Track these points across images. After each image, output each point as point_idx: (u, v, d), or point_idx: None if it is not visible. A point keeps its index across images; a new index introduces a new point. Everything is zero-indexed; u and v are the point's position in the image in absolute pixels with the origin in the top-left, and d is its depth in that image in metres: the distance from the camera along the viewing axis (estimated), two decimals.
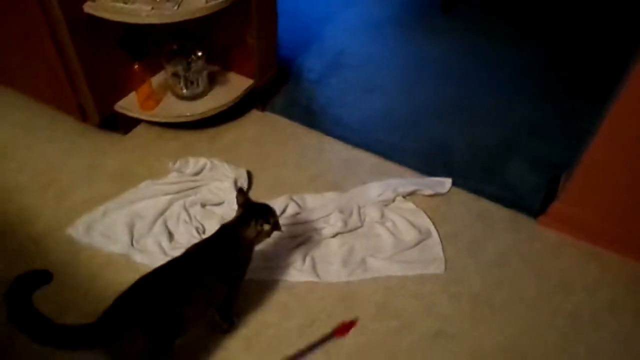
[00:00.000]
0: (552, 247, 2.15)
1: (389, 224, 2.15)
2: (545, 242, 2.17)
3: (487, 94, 2.90)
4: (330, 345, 1.77)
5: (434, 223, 2.18)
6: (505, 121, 2.72)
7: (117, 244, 2.06)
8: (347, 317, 1.85)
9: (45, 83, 2.35)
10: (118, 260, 2.03)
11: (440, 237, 2.13)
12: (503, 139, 2.61)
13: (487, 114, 2.77)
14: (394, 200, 2.25)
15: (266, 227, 1.65)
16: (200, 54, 2.41)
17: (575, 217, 2.14)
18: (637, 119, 1.79)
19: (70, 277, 1.97)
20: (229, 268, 1.63)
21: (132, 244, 2.06)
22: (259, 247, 1.74)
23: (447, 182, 2.34)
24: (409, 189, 2.26)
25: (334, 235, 2.11)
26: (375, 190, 2.27)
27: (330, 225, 2.12)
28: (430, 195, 2.29)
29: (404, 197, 2.26)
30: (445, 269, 2.03)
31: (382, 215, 2.17)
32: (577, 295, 1.98)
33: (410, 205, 2.23)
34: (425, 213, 2.21)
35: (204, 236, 2.08)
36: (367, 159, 2.49)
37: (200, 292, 1.54)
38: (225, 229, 1.70)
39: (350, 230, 2.13)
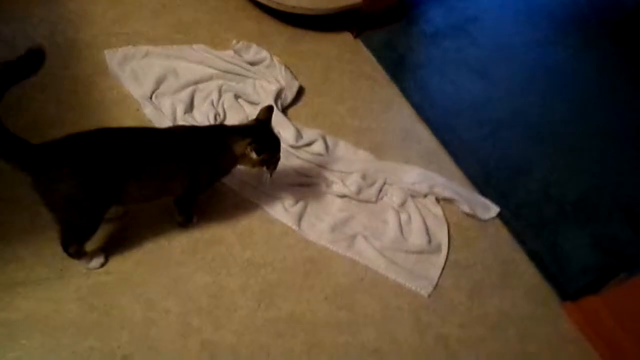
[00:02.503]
0: (560, 340, 1.80)
1: (403, 216, 1.87)
2: (556, 331, 1.82)
3: (606, 142, 2.39)
4: (264, 300, 1.60)
5: (450, 243, 1.88)
6: (602, 181, 2.24)
7: (139, 88, 1.95)
8: (300, 280, 1.66)
9: None
10: (131, 103, 1.94)
11: (447, 261, 1.84)
12: (585, 199, 2.16)
13: (590, 163, 2.30)
14: (425, 196, 1.95)
15: (254, 156, 1.46)
16: None
17: (603, 324, 1.76)
18: None
19: (80, 96, 1.91)
20: (198, 166, 1.45)
21: (151, 96, 1.94)
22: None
23: (493, 210, 1.99)
24: (448, 194, 1.95)
25: (342, 196, 1.87)
26: (412, 175, 1.97)
27: (345, 184, 1.88)
28: (466, 213, 1.96)
29: (437, 199, 1.96)
30: (431, 294, 1.75)
31: (403, 204, 1.90)
32: None
33: (438, 210, 1.93)
34: (449, 228, 1.91)
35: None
36: (428, 141, 2.17)
37: (153, 172, 1.39)
38: (220, 129, 1.54)
39: (361, 201, 1.88)
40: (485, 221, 1.98)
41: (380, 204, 1.90)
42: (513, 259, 1.93)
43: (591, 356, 1.79)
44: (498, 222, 2.00)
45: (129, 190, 1.37)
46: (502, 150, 2.22)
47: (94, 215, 1.39)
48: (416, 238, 1.83)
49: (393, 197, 1.91)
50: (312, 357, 1.54)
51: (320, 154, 1.94)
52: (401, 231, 1.84)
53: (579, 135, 2.40)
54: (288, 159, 1.89)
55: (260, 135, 1.50)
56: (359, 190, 1.86)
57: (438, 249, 1.84)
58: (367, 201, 1.88)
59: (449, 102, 2.33)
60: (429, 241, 1.83)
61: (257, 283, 1.64)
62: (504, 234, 1.99)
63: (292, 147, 1.92)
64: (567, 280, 1.92)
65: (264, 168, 1.56)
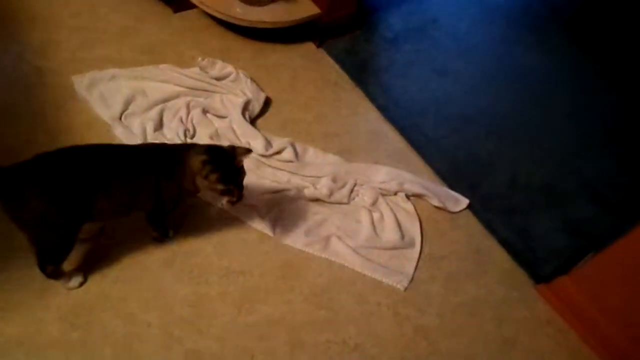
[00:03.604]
0: (536, 322, 1.85)
1: (376, 215, 1.92)
2: (532, 313, 1.87)
3: (564, 130, 2.48)
4: (245, 306, 1.63)
5: (423, 237, 1.93)
6: (566, 165, 2.32)
7: (108, 110, 1.98)
8: (278, 284, 1.69)
9: None
10: (101, 125, 1.97)
11: (421, 254, 1.88)
12: (551, 184, 2.24)
13: (553, 150, 2.37)
14: (395, 194, 2.00)
15: (212, 177, 1.41)
16: None
17: (576, 302, 1.82)
18: None
19: (50, 121, 1.94)
20: (160, 181, 1.46)
21: (120, 117, 1.98)
22: None
23: (463, 202, 2.06)
24: (417, 190, 2.00)
25: (314, 200, 1.92)
26: (381, 174, 2.03)
27: (316, 188, 1.92)
28: (437, 207, 2.02)
29: (408, 196, 2.01)
30: (407, 288, 1.79)
31: (374, 203, 1.95)
32: None
33: (409, 206, 1.98)
34: (421, 223, 1.96)
35: (190, 140, 1.97)
36: (395, 140, 2.23)
37: (121, 188, 1.41)
38: (183, 146, 1.56)
39: (333, 203, 1.92)
40: (456, 213, 2.04)
41: (352, 204, 1.95)
42: (485, 248, 1.99)
43: (568, 334, 1.84)
44: (468, 213, 2.06)
45: (99, 205, 1.39)
46: (467, 145, 2.30)
47: (66, 233, 1.40)
48: (389, 235, 1.88)
49: (364, 197, 1.96)
50: (294, 357, 1.57)
51: (290, 161, 1.98)
52: (374, 229, 1.88)
53: (541, 125, 2.49)
54: (260, 168, 1.94)
55: (220, 157, 1.45)
56: (331, 193, 1.91)
57: (412, 243, 1.89)
58: (339, 203, 1.93)
59: (413, 102, 2.40)
60: (402, 237, 1.88)
61: (236, 290, 1.67)
62: (475, 224, 2.04)
63: (263, 156, 1.97)
64: (539, 263, 1.98)
65: (220, 197, 1.50)
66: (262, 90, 2.19)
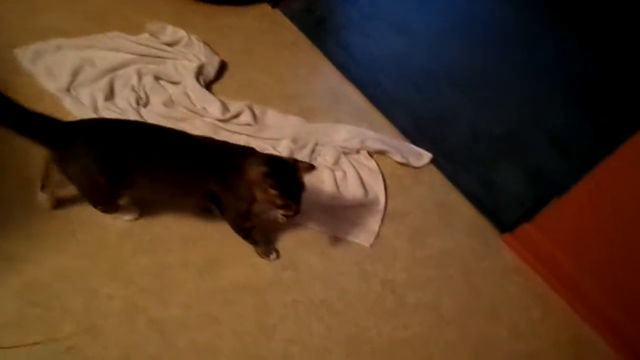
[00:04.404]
0: (503, 271, 1.88)
1: (338, 174, 1.90)
2: (498, 262, 1.89)
3: (523, 80, 2.48)
4: (208, 272, 1.61)
5: (387, 193, 1.92)
6: (527, 116, 2.33)
7: (54, 82, 1.89)
8: (240, 247, 1.67)
9: None
10: (49, 99, 1.87)
11: (385, 211, 1.88)
12: (512, 134, 2.24)
13: (514, 100, 2.38)
14: (358, 152, 1.98)
15: (272, 191, 1.37)
16: None
17: (541, 249, 1.85)
18: (625, 176, 1.52)
19: None
20: (211, 184, 1.45)
21: (68, 88, 1.89)
22: None
23: (426, 156, 2.05)
24: (379, 146, 1.98)
25: None
26: (343, 133, 2.00)
27: (276, 150, 1.89)
28: (400, 163, 2.01)
29: (370, 153, 1.99)
30: (373, 245, 1.79)
31: (337, 162, 1.92)
32: (499, 333, 1.72)
33: (372, 164, 1.97)
34: (384, 179, 1.95)
35: (143, 109, 1.91)
36: (356, 98, 2.20)
37: (164, 172, 1.42)
38: (241, 153, 1.47)
39: None
40: (419, 168, 2.04)
41: (315, 165, 1.91)
42: (450, 201, 2.00)
43: (534, 281, 1.88)
44: (432, 167, 2.06)
45: (139, 181, 1.43)
46: (428, 99, 2.28)
47: (106, 190, 1.46)
48: (353, 192, 1.86)
49: (326, 156, 1.93)
50: (262, 319, 1.56)
51: (248, 124, 1.94)
52: (337, 188, 1.87)
53: (502, 76, 2.49)
54: (217, 133, 1.89)
55: (280, 170, 1.39)
56: (291, 154, 1.88)
57: (375, 200, 1.88)
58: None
59: (373, 59, 2.37)
60: (366, 194, 1.87)
61: (198, 256, 1.63)
62: (438, 178, 2.04)
63: (220, 120, 1.92)
64: (504, 213, 2.00)
65: (277, 211, 1.45)
66: (216, 54, 2.12)
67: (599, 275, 1.73)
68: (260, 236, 1.65)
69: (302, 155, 1.89)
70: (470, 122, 2.24)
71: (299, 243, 1.74)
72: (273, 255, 1.67)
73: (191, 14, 2.29)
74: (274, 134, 1.93)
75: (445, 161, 2.07)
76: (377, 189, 1.90)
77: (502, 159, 2.15)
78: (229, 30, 2.29)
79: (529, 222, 1.89)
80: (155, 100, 1.93)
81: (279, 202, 1.39)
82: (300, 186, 1.44)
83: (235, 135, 1.90)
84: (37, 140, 1.32)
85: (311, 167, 1.47)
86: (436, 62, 2.44)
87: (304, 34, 2.36)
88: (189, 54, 2.07)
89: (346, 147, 1.96)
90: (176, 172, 1.43)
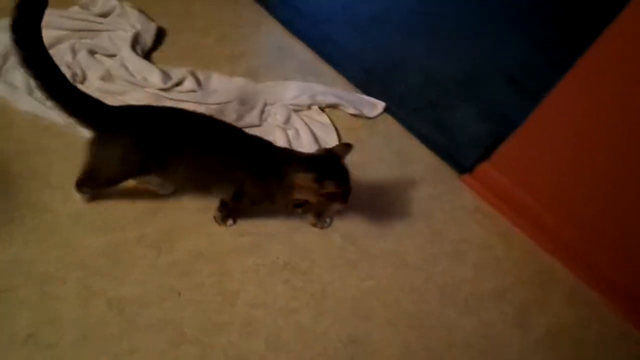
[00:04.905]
0: (464, 212, 1.88)
1: (290, 132, 1.86)
2: (458, 204, 1.89)
3: (475, 20, 2.43)
4: (164, 245, 1.58)
5: None
6: (480, 57, 2.29)
7: None
8: (196, 217, 1.64)
9: None
10: None
11: None
12: (466, 76, 2.21)
13: (466, 42, 2.34)
14: (309, 108, 1.94)
15: (330, 187, 1.38)
16: None
17: (499, 185, 1.85)
18: (571, 104, 1.51)
19: None
20: (248, 180, 1.45)
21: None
22: None
23: (379, 105, 2.01)
24: (330, 100, 1.94)
25: None
26: (292, 90, 1.95)
27: (223, 114, 1.83)
28: (353, 115, 1.97)
29: (322, 108, 1.95)
30: None
31: (288, 121, 1.88)
32: (465, 274, 1.73)
33: (324, 118, 1.93)
34: (339, 133, 1.91)
35: (80, 86, 1.83)
36: (304, 53, 2.14)
37: (204, 164, 1.42)
38: (283, 157, 1.46)
39: (244, 127, 1.84)
40: (373, 118, 2.00)
41: (265, 125, 1.88)
42: (407, 148, 1.98)
43: (496, 219, 1.89)
44: (386, 116, 2.03)
45: (172, 168, 1.42)
46: (379, 47, 2.23)
47: (128, 173, 1.49)
48: (307, 149, 1.83)
49: (277, 115, 1.89)
50: (224, 285, 1.54)
51: (193, 90, 1.87)
52: (291, 146, 1.83)
53: (451, 17, 2.43)
54: (160, 103, 1.82)
55: (324, 167, 1.42)
56: (240, 117, 1.83)
57: None
58: (250, 126, 1.85)
59: (319, 11, 2.29)
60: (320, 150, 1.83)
61: (153, 231, 1.60)
62: (394, 126, 2.01)
63: (163, 90, 1.85)
64: (462, 154, 1.99)
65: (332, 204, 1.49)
66: (152, 20, 2.03)
67: (555, 204, 1.75)
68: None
69: (251, 117, 1.85)
70: (423, 67, 2.20)
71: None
72: (230, 222, 1.65)
73: None
74: (221, 97, 1.88)
75: (400, 109, 2.04)
76: (331, 143, 1.87)
77: (457, 102, 2.13)
78: None
79: (486, 161, 1.89)
80: (93, 76, 1.85)
81: (341, 197, 1.45)
82: (346, 171, 1.46)
83: (181, 103, 1.84)
84: (84, 122, 1.35)
85: (347, 147, 1.47)
86: (385, 9, 2.38)
87: None
88: (124, 24, 1.98)
89: (296, 104, 1.91)
90: (214, 167, 1.43)
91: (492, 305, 1.68)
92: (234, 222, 1.65)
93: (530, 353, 1.60)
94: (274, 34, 2.17)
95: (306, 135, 1.85)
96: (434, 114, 2.06)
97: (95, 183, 1.53)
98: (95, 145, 1.39)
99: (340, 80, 2.08)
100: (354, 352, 1.47)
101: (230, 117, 1.81)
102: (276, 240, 1.65)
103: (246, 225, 1.66)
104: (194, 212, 1.66)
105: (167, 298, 1.50)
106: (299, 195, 1.45)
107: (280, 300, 1.55)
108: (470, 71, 2.24)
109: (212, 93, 1.89)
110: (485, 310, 1.66)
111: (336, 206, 1.50)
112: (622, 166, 1.50)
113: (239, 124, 1.83)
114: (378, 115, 2.01)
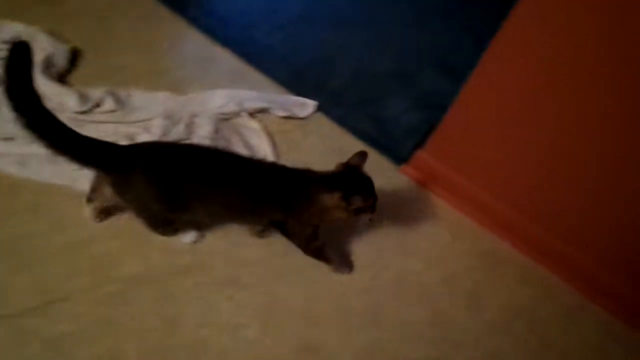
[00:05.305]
0: (406, 202, 1.87)
1: (220, 143, 1.81)
2: (400, 194, 1.88)
3: (402, 9, 2.43)
4: (99, 275, 1.50)
5: (278, 151, 1.85)
6: (409, 45, 2.29)
7: None
8: (129, 242, 1.56)
9: None
10: None
11: None
12: (396, 67, 2.21)
13: (396, 34, 2.33)
14: (239, 115, 1.89)
15: (358, 202, 1.36)
16: None
17: (435, 171, 1.85)
18: (498, 82, 1.53)
19: None
20: (279, 215, 1.45)
21: None
22: None
23: (310, 105, 1.99)
24: (259, 104, 1.90)
25: None
26: (217, 99, 1.90)
27: (149, 132, 1.77)
28: (284, 117, 1.94)
29: (250, 114, 1.91)
30: None
31: (216, 131, 1.83)
32: (413, 264, 1.72)
33: (254, 124, 1.88)
34: (271, 137, 1.87)
35: None
36: (229, 61, 2.09)
37: (220, 198, 1.38)
38: (307, 179, 1.42)
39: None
40: (305, 119, 1.98)
41: (195, 138, 1.82)
42: (343, 145, 1.95)
43: (438, 206, 1.88)
44: (319, 115, 2.00)
45: (195, 207, 1.40)
46: (305, 46, 2.20)
47: (160, 216, 1.47)
48: None
49: (205, 126, 1.83)
50: (166, 308, 1.48)
51: (113, 111, 1.80)
52: None
53: (378, 9, 2.43)
54: (81, 127, 1.73)
55: (346, 181, 1.39)
56: (165, 133, 1.77)
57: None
58: (178, 141, 1.79)
59: (241, 15, 2.25)
60: (253, 156, 1.79)
61: (85, 261, 1.52)
62: (327, 124, 1.99)
63: (81, 113, 1.77)
64: (399, 145, 1.99)
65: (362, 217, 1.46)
66: (64, 42, 1.94)
67: (490, 183, 1.76)
68: (333, 251, 1.61)
69: (177, 132, 1.78)
70: (353, 61, 2.19)
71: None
72: (347, 269, 1.64)
73: (29, 4, 2.08)
74: (144, 114, 1.81)
75: (332, 106, 2.02)
76: (264, 148, 1.83)
77: (389, 94, 2.12)
78: (76, 14, 2.10)
79: (422, 149, 1.89)
80: (5, 108, 1.74)
81: (371, 208, 1.43)
82: (369, 179, 1.43)
83: (102, 125, 1.76)
84: (94, 168, 1.34)
85: (362, 154, 1.44)
86: (310, 7, 2.35)
87: (162, 4, 2.20)
88: (35, 49, 1.87)
89: (223, 112, 1.87)
90: (236, 201, 1.38)
91: (443, 293, 1.67)
92: (351, 269, 1.66)
93: (485, 335, 1.61)
94: (197, 45, 2.12)
95: (237, 143, 1.81)
96: (368, 108, 2.05)
97: (153, 226, 1.54)
98: (115, 189, 1.38)
99: (269, 83, 2.05)
100: None
101: (155, 134, 1.75)
102: (217, 257, 1.60)
103: (185, 245, 1.60)
104: (129, 235, 1.58)
105: (106, 331, 1.43)
106: (329, 216, 1.42)
107: (226, 317, 1.50)
108: (400, 61, 2.23)
109: (135, 110, 1.82)
110: (437, 299, 1.66)
111: (366, 216, 1.47)
112: (548, 136, 1.52)
113: (166, 140, 1.76)
114: (310, 115, 1.98)
